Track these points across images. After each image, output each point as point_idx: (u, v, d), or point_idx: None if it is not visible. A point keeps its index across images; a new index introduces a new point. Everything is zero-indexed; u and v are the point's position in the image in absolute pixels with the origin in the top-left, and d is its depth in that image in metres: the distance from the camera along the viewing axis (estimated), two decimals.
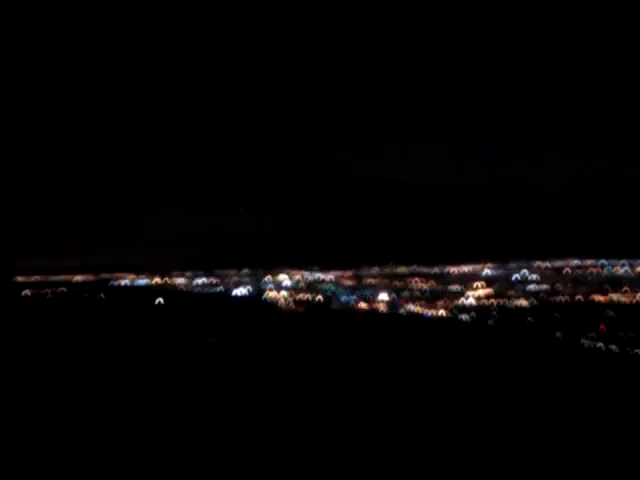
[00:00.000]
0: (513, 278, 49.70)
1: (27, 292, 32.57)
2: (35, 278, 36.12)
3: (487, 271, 51.37)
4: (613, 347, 35.69)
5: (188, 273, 43.86)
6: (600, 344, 34.01)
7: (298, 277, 48.84)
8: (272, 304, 38.89)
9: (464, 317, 40.15)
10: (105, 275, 40.20)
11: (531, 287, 48.11)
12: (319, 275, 49.44)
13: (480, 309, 42.35)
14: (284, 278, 47.26)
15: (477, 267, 52.23)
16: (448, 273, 51.70)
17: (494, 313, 40.51)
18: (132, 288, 38.58)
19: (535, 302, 44.43)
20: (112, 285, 38.13)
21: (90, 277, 39.39)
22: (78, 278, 38.59)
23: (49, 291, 32.36)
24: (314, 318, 37.22)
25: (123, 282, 39.49)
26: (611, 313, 38.48)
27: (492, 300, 44.88)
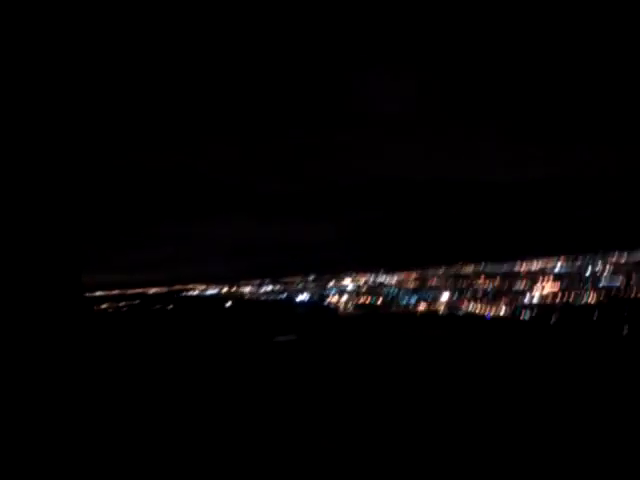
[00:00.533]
0: (586, 274, 48.30)
1: (105, 306, 36.20)
2: (115, 292, 39.57)
3: (557, 267, 50.24)
4: None
5: (256, 281, 46.56)
6: None
7: (362, 281, 50.28)
8: (332, 309, 40.64)
9: (526, 316, 39.75)
10: (178, 287, 43.80)
11: (603, 283, 46.56)
12: (383, 278, 50.59)
13: (544, 307, 41.65)
14: (347, 283, 48.85)
15: (547, 263, 51.21)
16: (516, 271, 51.06)
17: (558, 311, 39.75)
18: (200, 298, 41.79)
19: (604, 299, 43.01)
20: (183, 296, 41.45)
21: (164, 289, 43.09)
22: (153, 290, 42.35)
23: (124, 304, 35.72)
24: (369, 322, 38.64)
25: (193, 293, 42.84)
26: None
27: (558, 297, 43.93)
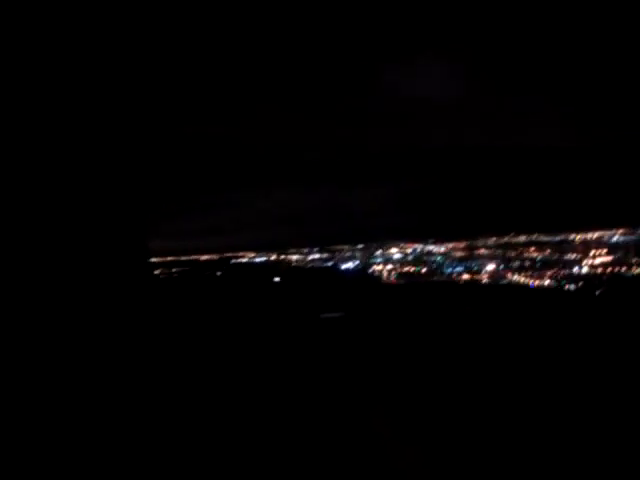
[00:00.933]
0: None
1: (158, 271, 38.91)
2: (169, 259, 42.08)
3: (616, 238, 48.91)
4: None
5: (304, 250, 48.20)
6: None
7: (410, 250, 50.85)
8: (375, 277, 41.67)
9: (571, 287, 39.26)
10: (229, 254, 46.14)
11: None
12: (431, 247, 50.94)
13: (591, 278, 40.88)
14: (395, 251, 49.60)
15: (606, 233, 49.88)
16: (571, 241, 50.03)
17: (605, 282, 39.00)
18: (248, 265, 43.89)
19: None
20: (232, 263, 43.69)
21: (215, 256, 45.54)
22: (204, 257, 44.86)
23: (176, 270, 37.77)
24: (409, 290, 39.33)
25: (242, 260, 45.05)
26: None
27: (609, 269, 42.92)
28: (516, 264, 45.86)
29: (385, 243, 51.30)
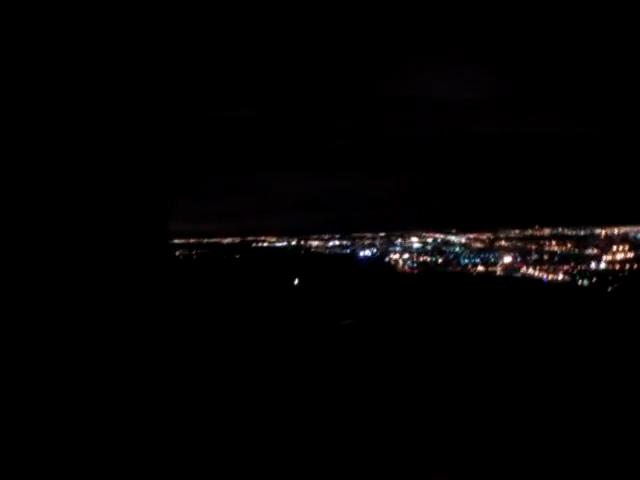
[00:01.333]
0: None
1: (178, 252, 40.85)
2: (192, 240, 43.59)
3: None
4: None
5: (326, 236, 49.49)
6: None
7: (430, 240, 51.44)
8: (389, 265, 42.61)
9: (584, 282, 39.23)
10: (251, 238, 47.86)
11: None
12: (453, 238, 51.37)
13: (607, 274, 40.67)
14: (414, 241, 50.31)
15: (632, 229, 49.27)
16: (595, 235, 49.59)
17: (620, 279, 38.80)
18: (268, 249, 45.49)
19: None
20: (253, 247, 45.34)
21: (237, 239, 47.31)
22: (227, 240, 46.71)
23: (194, 252, 38.68)
24: (421, 279, 40.13)
25: (264, 244, 46.70)
26: None
27: (628, 265, 42.54)
28: (534, 257, 45.81)
29: (407, 232, 51.92)
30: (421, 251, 48.34)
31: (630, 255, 44.14)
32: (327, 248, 48.98)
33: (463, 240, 51.54)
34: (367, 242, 50.92)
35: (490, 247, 49.61)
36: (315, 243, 49.69)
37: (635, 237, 47.76)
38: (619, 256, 44.08)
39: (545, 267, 42.45)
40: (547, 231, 52.82)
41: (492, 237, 50.75)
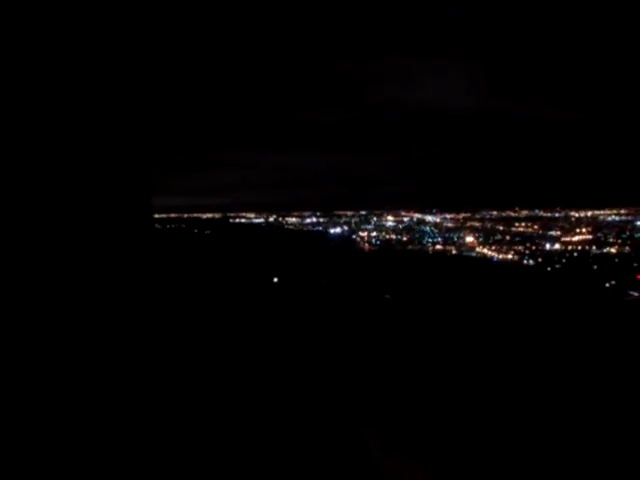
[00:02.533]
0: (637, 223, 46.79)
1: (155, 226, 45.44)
2: (173, 215, 46.76)
3: (613, 217, 49.04)
4: None
5: (306, 213, 52.65)
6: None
7: (406, 219, 53.81)
8: (351, 242, 45.48)
9: (530, 262, 40.91)
10: (232, 214, 51.52)
11: None
12: (430, 217, 53.50)
13: (555, 255, 42.07)
14: (390, 219, 52.84)
15: (606, 212, 50.02)
16: (567, 217, 50.58)
17: (564, 260, 40.27)
18: (243, 225, 49.07)
19: (631, 250, 41.90)
20: (230, 222, 48.93)
21: (217, 215, 50.98)
22: (207, 216, 50.43)
23: (168, 227, 38.90)
24: (374, 255, 42.80)
25: (241, 220, 50.35)
26: None
27: (579, 246, 43.71)
28: (497, 237, 47.41)
29: (387, 211, 54.27)
30: (392, 229, 50.72)
31: (589, 237, 45.04)
32: (303, 225, 52.21)
33: (438, 220, 53.55)
34: (343, 220, 53.71)
35: (461, 227, 51.40)
36: (293, 219, 53.01)
37: (605, 220, 48.46)
38: (577, 238, 45.08)
39: (500, 247, 44.09)
40: (525, 212, 54.05)
41: (462, 218, 52.54)
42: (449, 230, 50.02)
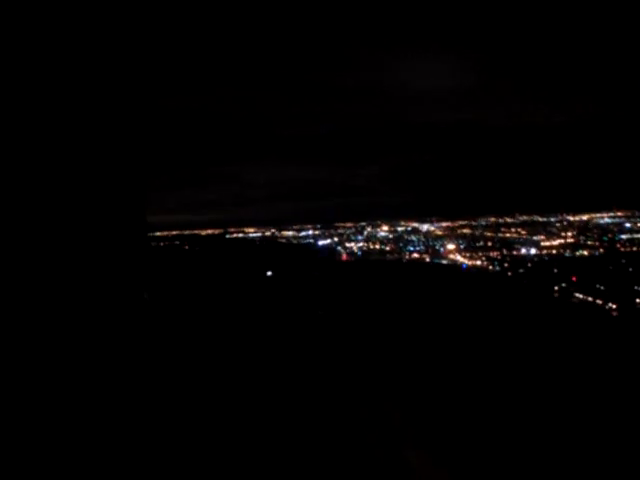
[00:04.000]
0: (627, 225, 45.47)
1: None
2: (174, 232, 49.72)
3: (606, 220, 47.86)
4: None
5: (306, 226, 55.18)
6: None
7: (401, 228, 54.89)
8: (333, 253, 47.43)
9: (496, 268, 41.00)
10: (232, 229, 54.84)
11: (623, 236, 43.52)
12: (425, 226, 54.25)
13: (527, 260, 41.78)
14: (385, 229, 54.20)
15: (602, 215, 48.86)
16: (562, 222, 49.72)
17: (529, 264, 40.07)
18: (234, 240, 52.20)
19: (606, 251, 40.79)
20: (227, 238, 52.28)
21: (217, 231, 54.39)
22: (207, 232, 53.95)
23: (163, 244, 38.54)
24: (349, 265, 44.62)
25: (238, 235, 53.63)
26: None
27: (554, 250, 43.04)
28: (479, 244, 47.43)
29: (386, 221, 55.61)
30: (382, 240, 51.95)
31: (570, 240, 44.15)
32: (298, 238, 54.66)
33: (432, 228, 54.08)
34: (340, 232, 55.53)
35: (450, 234, 51.68)
36: (290, 233, 55.54)
37: (597, 223, 47.21)
38: (558, 242, 44.29)
39: (476, 253, 44.25)
40: (524, 218, 53.38)
41: (458, 225, 52.77)
42: (438, 238, 50.40)
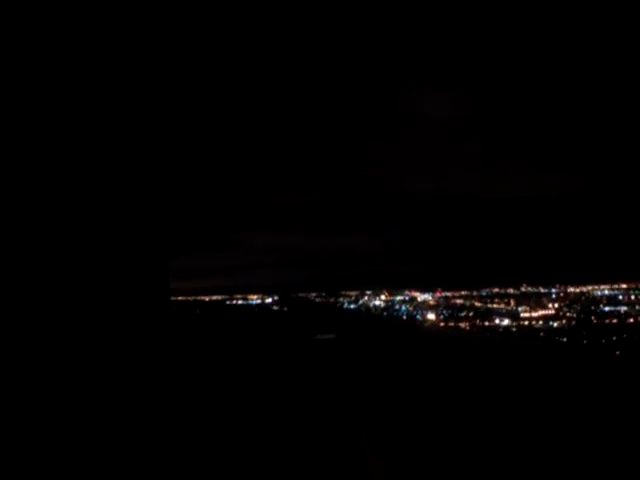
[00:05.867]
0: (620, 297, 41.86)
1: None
2: (181, 298, 53.42)
3: (605, 292, 44.33)
4: None
5: (313, 294, 55.95)
6: None
7: (399, 297, 53.73)
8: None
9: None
10: (239, 295, 56.70)
11: (606, 309, 39.82)
12: (424, 296, 52.76)
13: (488, 330, 39.28)
14: (381, 299, 53.43)
15: (601, 287, 45.34)
16: (559, 293, 46.60)
17: (488, 333, 37.69)
18: (232, 306, 53.91)
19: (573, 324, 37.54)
20: (227, 304, 54.30)
21: (222, 297, 56.39)
22: (214, 297, 56.22)
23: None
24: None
25: (238, 302, 55.33)
26: None
27: (527, 322, 40.07)
28: (461, 314, 45.29)
29: (391, 290, 54.89)
30: (373, 308, 51.06)
31: (551, 312, 41.04)
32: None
33: (430, 298, 52.30)
34: (341, 300, 55.25)
35: (444, 304, 49.73)
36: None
37: (594, 295, 43.75)
38: (538, 313, 41.34)
39: (452, 323, 42.32)
40: (529, 289, 50.31)
41: (452, 296, 50.76)
42: (429, 307, 48.82)
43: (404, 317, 44.73)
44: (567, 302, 39.82)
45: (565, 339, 32.28)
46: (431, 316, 45.01)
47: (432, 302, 48.53)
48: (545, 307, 40.14)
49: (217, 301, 55.06)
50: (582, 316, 34.92)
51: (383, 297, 52.30)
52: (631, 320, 32.97)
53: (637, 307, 34.77)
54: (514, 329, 36.93)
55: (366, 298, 52.50)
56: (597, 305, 37.54)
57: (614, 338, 29.84)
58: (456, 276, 48.14)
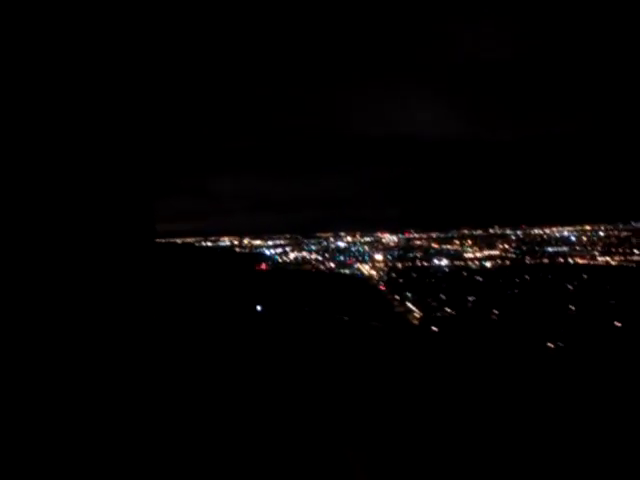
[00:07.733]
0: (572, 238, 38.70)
1: None
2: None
3: (565, 234, 41.07)
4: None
5: (275, 236, 55.13)
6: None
7: (362, 240, 51.68)
8: (257, 261, 46.47)
9: (394, 276, 37.17)
10: (213, 237, 56.37)
11: (549, 249, 36.71)
12: (388, 237, 50.49)
13: (424, 271, 37.07)
14: (347, 241, 51.60)
15: (561, 229, 42.00)
16: (529, 235, 43.51)
17: (413, 275, 35.60)
18: (199, 248, 53.71)
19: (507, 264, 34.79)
20: (197, 246, 54.39)
21: (193, 239, 56.18)
22: (181, 240, 56.37)
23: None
24: (270, 273, 43.57)
25: (206, 244, 54.94)
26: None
27: (463, 262, 37.43)
28: (410, 255, 42.96)
29: (364, 232, 53.06)
30: (333, 250, 49.36)
31: (496, 252, 38.19)
32: (268, 247, 54.07)
33: (395, 240, 49.95)
34: (313, 241, 53.72)
35: (406, 245, 47.53)
36: (257, 242, 55.15)
37: (552, 236, 40.47)
38: (483, 254, 38.65)
39: (393, 265, 40.18)
40: (499, 230, 47.25)
41: (407, 237, 48.45)
42: (387, 249, 46.74)
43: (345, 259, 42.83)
44: (519, 244, 36.68)
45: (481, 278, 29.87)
46: (378, 257, 42.76)
47: (392, 244, 46.07)
48: (495, 248, 37.17)
49: (187, 244, 54.64)
50: (519, 257, 31.97)
51: (349, 239, 50.19)
52: (561, 260, 29.81)
53: (578, 248, 31.39)
54: (446, 269, 34.50)
55: (331, 240, 50.58)
56: (543, 246, 34.38)
57: (527, 277, 27.31)
58: (431, 218, 45.08)
